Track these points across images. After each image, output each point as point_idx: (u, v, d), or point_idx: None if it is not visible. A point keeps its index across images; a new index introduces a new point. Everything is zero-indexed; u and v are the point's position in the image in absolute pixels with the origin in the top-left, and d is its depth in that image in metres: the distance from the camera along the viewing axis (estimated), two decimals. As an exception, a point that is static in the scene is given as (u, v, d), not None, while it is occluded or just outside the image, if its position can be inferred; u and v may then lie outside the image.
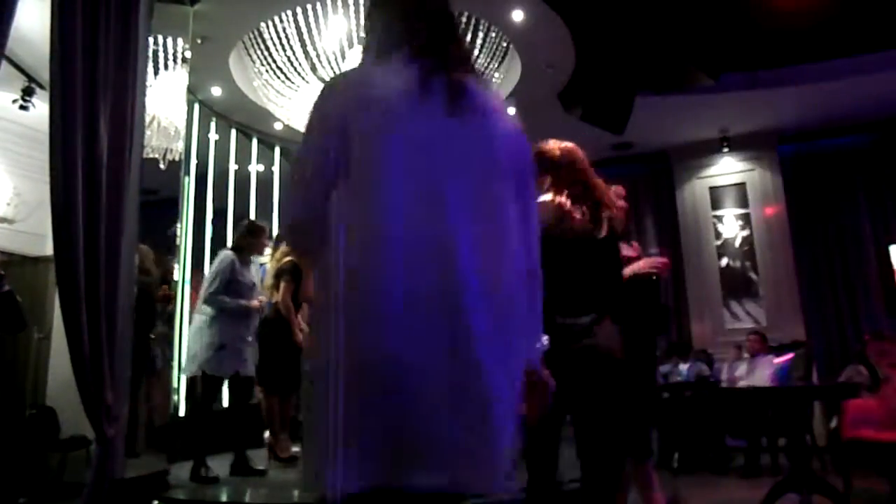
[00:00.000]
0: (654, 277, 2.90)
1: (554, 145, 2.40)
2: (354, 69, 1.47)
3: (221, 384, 4.24)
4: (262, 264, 4.95)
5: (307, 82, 4.97)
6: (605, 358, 2.15)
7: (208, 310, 4.20)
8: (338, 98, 1.26)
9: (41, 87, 5.08)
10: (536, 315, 1.29)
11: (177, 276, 5.59)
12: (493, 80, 5.34)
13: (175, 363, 5.35)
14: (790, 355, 5.50)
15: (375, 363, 1.08)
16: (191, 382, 5.64)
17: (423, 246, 1.12)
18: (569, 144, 2.43)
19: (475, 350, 1.11)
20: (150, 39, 4.33)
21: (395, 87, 1.21)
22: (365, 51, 1.43)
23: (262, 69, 5.00)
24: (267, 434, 4.57)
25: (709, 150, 8.15)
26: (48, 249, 3.21)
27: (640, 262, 2.84)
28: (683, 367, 6.64)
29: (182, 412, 5.43)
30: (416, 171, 1.16)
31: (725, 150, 8.04)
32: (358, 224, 1.14)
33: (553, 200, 2.29)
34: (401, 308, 1.08)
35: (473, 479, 1.14)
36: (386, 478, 1.07)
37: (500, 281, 1.18)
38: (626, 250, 2.98)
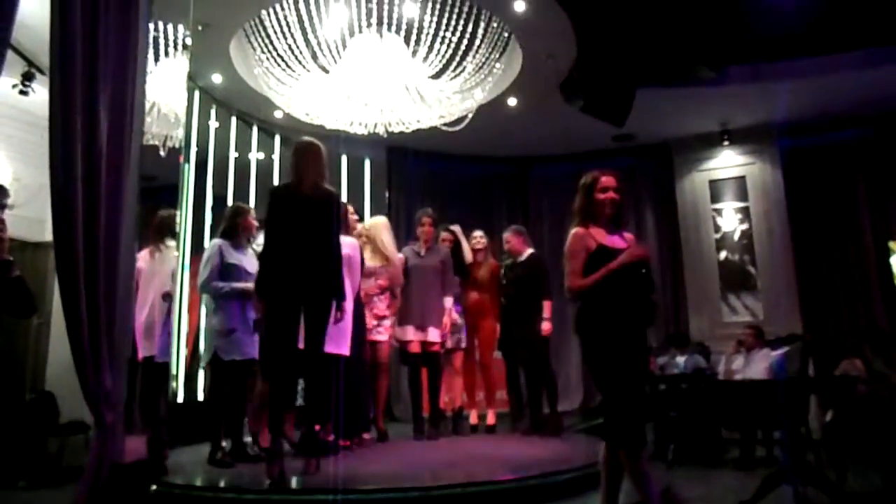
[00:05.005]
0: (644, 270, 2.90)
1: None
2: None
3: (236, 368, 4.15)
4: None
5: (308, 70, 4.95)
6: None
7: (209, 298, 4.27)
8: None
9: (41, 72, 5.07)
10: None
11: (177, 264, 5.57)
12: (494, 70, 5.31)
13: (174, 351, 5.35)
14: (785, 348, 5.52)
15: None
16: (189, 370, 5.67)
17: None
18: None
19: None
20: (151, 25, 4.30)
21: None
22: None
23: (263, 57, 4.98)
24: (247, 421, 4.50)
25: (709, 142, 8.15)
26: (48, 235, 3.21)
27: (623, 255, 2.84)
28: (680, 359, 6.66)
29: (180, 399, 5.45)
30: None
31: (726, 143, 8.04)
32: None
33: None
34: None
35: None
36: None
37: None
38: (619, 242, 2.98)
